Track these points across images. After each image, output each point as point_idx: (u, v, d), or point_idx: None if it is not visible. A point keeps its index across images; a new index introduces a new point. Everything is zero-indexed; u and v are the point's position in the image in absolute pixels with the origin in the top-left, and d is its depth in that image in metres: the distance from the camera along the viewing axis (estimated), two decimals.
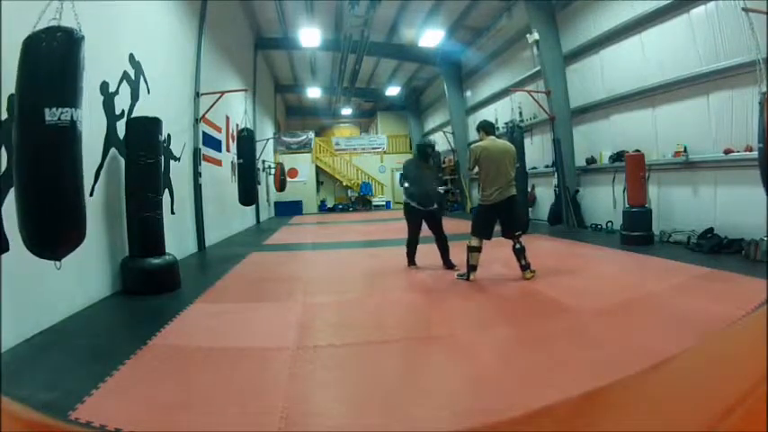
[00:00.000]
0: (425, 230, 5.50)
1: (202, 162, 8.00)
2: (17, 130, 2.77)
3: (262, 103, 15.65)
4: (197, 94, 7.97)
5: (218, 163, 9.57)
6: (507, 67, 12.02)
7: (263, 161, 15.18)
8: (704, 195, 6.45)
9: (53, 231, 2.88)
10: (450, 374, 2.58)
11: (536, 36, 9.28)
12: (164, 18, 6.69)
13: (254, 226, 13.37)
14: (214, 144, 9.24)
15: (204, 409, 2.17)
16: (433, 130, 18.73)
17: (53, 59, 2.79)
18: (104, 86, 4.64)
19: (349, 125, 25.77)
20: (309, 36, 11.87)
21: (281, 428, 1.97)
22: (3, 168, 3.06)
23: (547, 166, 10.22)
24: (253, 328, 3.52)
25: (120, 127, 4.85)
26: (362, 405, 2.26)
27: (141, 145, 4.70)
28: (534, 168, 10.34)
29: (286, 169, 17.62)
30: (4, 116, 3.06)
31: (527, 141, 9.84)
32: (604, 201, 8.38)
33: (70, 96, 2.84)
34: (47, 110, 2.72)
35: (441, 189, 5.56)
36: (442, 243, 5.45)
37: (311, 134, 20.82)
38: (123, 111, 5.01)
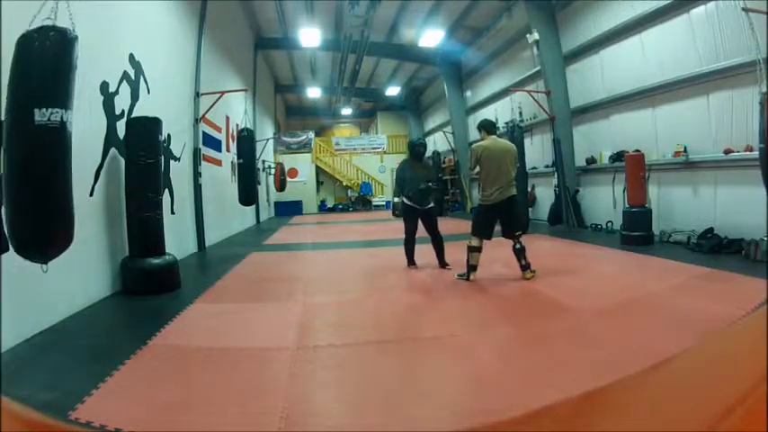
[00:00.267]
0: (422, 231, 5.49)
1: (202, 162, 8.00)
2: (6, 130, 2.73)
3: (262, 103, 15.65)
4: (197, 94, 7.97)
5: (218, 163, 9.57)
6: (507, 67, 12.02)
7: (263, 161, 15.18)
8: (704, 195, 6.45)
9: (40, 233, 2.82)
10: (450, 374, 2.58)
11: (536, 36, 9.28)
12: (164, 18, 6.69)
13: (254, 226, 13.37)
14: (214, 144, 9.24)
15: (204, 409, 2.17)
16: (433, 130, 18.74)
17: (45, 59, 2.75)
18: (104, 86, 4.64)
19: (349, 125, 25.77)
20: (309, 36, 11.87)
21: (281, 428, 1.97)
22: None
23: (547, 166, 10.22)
24: (253, 328, 3.52)
25: (120, 127, 4.85)
26: (362, 405, 2.26)
27: (141, 145, 4.70)
28: (534, 168, 10.34)
29: (286, 169, 17.61)
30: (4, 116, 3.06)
31: (527, 141, 9.84)
32: (604, 201, 8.38)
33: (61, 97, 2.80)
34: (36, 110, 2.68)
35: (431, 184, 5.50)
36: (438, 243, 5.46)
37: (311, 134, 20.81)
38: (123, 111, 5.01)
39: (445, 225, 6.07)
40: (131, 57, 5.35)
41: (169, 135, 6.46)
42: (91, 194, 4.33)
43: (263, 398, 2.28)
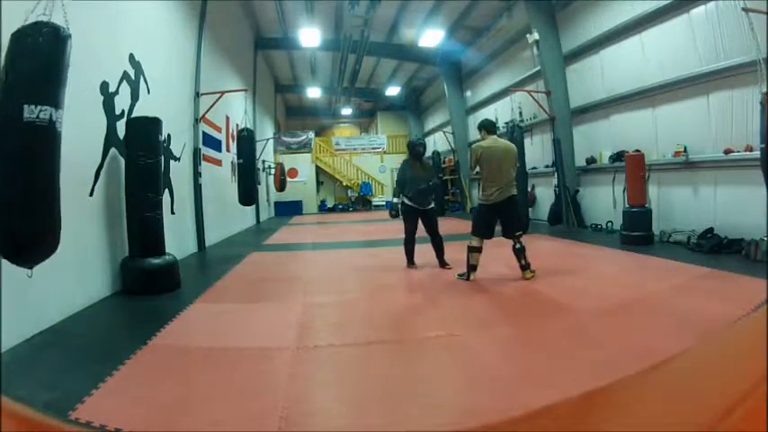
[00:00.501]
0: (422, 231, 5.49)
1: (202, 162, 8.00)
2: None
3: (262, 103, 15.65)
4: (197, 94, 7.97)
5: (218, 163, 9.57)
6: (507, 67, 12.02)
7: (263, 161, 15.18)
8: (704, 195, 6.45)
9: (23, 237, 2.71)
10: (450, 374, 2.58)
11: (536, 36, 9.28)
12: (164, 18, 6.69)
13: (254, 226, 13.37)
14: (214, 144, 9.24)
15: (204, 409, 2.18)
16: (433, 130, 18.74)
17: (36, 55, 2.70)
18: (104, 86, 4.64)
19: (349, 125, 25.78)
20: (309, 36, 11.87)
21: (281, 428, 1.97)
22: None
23: (547, 166, 10.22)
24: (253, 328, 3.52)
25: (120, 127, 4.85)
26: (362, 405, 2.26)
27: (141, 145, 4.70)
28: (534, 168, 10.35)
29: (286, 169, 17.61)
30: None
31: (527, 141, 9.84)
32: (604, 201, 8.38)
33: (51, 95, 2.75)
34: (26, 106, 2.63)
35: (432, 183, 5.53)
36: (437, 243, 5.46)
37: (311, 134, 20.81)
38: (123, 111, 5.01)
39: (445, 225, 6.08)
40: (131, 57, 5.35)
41: (169, 135, 6.46)
42: (91, 194, 4.33)
43: (262, 398, 2.28)
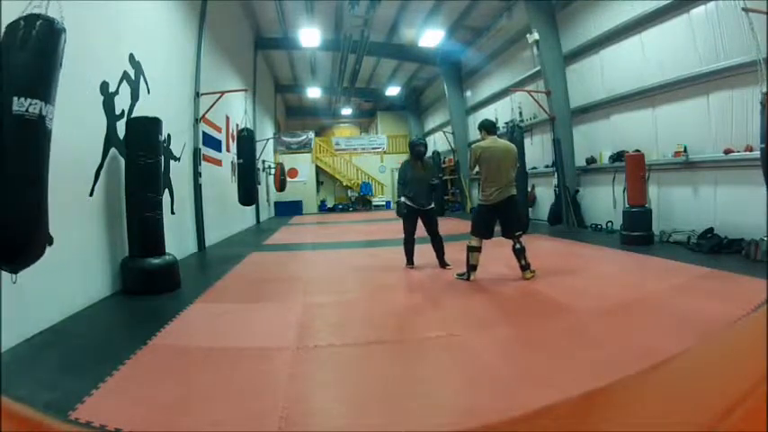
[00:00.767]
0: (421, 231, 5.49)
1: (202, 162, 8.00)
2: None
3: (262, 103, 15.65)
4: (197, 94, 7.97)
5: (218, 163, 9.57)
6: (507, 67, 12.02)
7: (263, 161, 15.18)
8: (704, 195, 6.45)
9: (7, 238, 2.57)
10: (450, 374, 2.58)
11: (536, 36, 9.28)
12: (164, 18, 6.69)
13: (254, 226, 13.37)
14: (214, 144, 9.24)
15: (204, 409, 2.18)
16: (433, 130, 18.74)
17: (28, 47, 2.63)
18: (104, 86, 4.64)
19: (349, 125, 25.77)
20: (309, 36, 11.87)
21: (281, 428, 1.97)
22: None
23: (547, 166, 10.22)
24: (253, 328, 3.52)
25: (120, 127, 4.85)
26: (362, 405, 2.26)
27: (141, 145, 4.70)
28: (534, 168, 10.35)
29: (286, 169, 17.61)
30: None
31: (527, 141, 9.84)
32: (604, 201, 8.38)
33: (42, 89, 2.66)
34: (15, 98, 2.54)
35: (434, 181, 5.55)
36: (438, 243, 5.46)
37: (311, 134, 20.81)
38: (123, 111, 5.01)
39: (445, 225, 6.08)
40: (131, 57, 5.36)
41: (169, 135, 6.46)
42: (91, 194, 4.33)
43: (262, 398, 2.28)
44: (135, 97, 5.37)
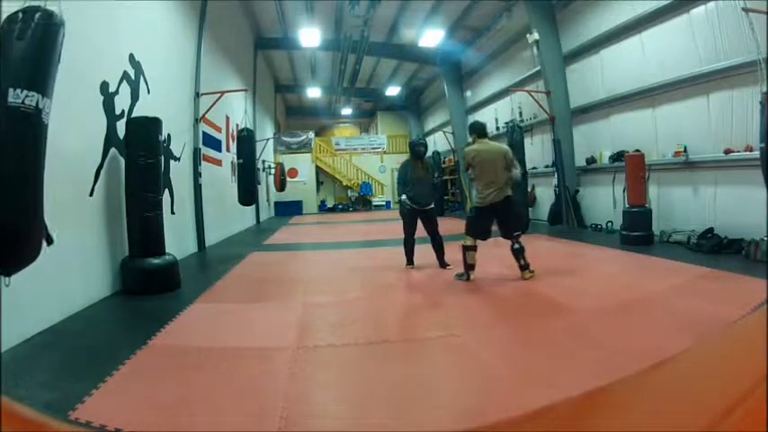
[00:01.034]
0: (422, 231, 5.49)
1: (202, 162, 8.00)
2: None
3: (262, 103, 15.65)
4: (197, 94, 7.97)
5: (218, 163, 9.57)
6: (507, 67, 12.02)
7: (263, 161, 15.18)
8: (704, 195, 6.45)
9: (1, 236, 2.47)
10: (450, 374, 2.58)
11: (536, 36, 9.28)
12: (164, 18, 6.69)
13: (254, 226, 13.37)
14: (214, 144, 9.24)
15: (204, 409, 2.18)
16: (433, 130, 18.74)
17: (26, 38, 2.57)
18: (104, 86, 4.64)
19: (349, 125, 25.77)
20: (309, 36, 11.87)
21: (281, 428, 1.97)
22: None
23: (547, 166, 10.22)
24: (253, 328, 3.52)
25: (120, 127, 4.85)
26: (362, 405, 2.26)
27: (141, 145, 4.70)
28: (534, 168, 10.34)
29: (286, 169, 17.61)
30: None
31: (527, 141, 9.84)
32: (604, 201, 8.38)
33: (39, 81, 2.60)
34: (11, 90, 2.48)
35: (437, 181, 5.57)
36: (438, 243, 5.46)
37: (311, 134, 20.81)
38: (123, 111, 5.01)
39: (445, 225, 6.08)
40: (131, 57, 5.36)
41: (169, 135, 6.46)
42: (91, 194, 4.33)
43: (262, 398, 2.28)
44: (135, 97, 5.37)
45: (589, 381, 2.06)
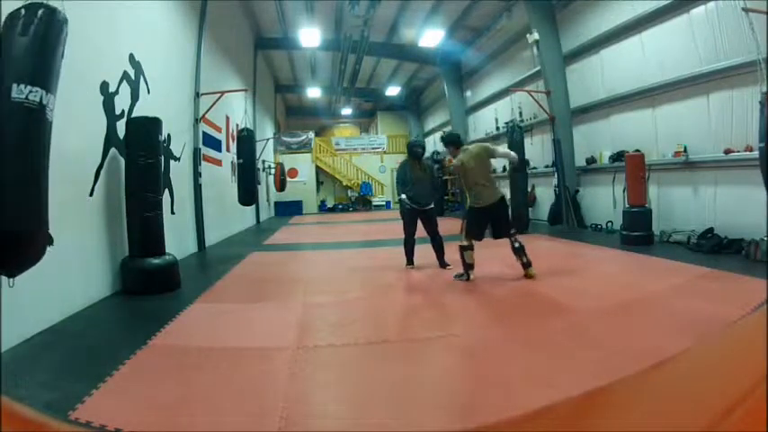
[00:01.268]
0: (422, 231, 5.49)
1: (202, 162, 8.00)
2: None
3: (262, 103, 15.65)
4: (197, 94, 7.97)
5: (218, 163, 9.57)
6: (507, 67, 12.02)
7: (263, 161, 15.18)
8: (704, 195, 6.45)
9: (5, 237, 2.43)
10: (449, 374, 2.58)
11: (536, 36, 9.28)
12: (164, 18, 6.69)
13: (254, 226, 13.37)
14: (214, 144, 9.24)
15: (204, 409, 2.17)
16: (433, 130, 18.74)
17: (29, 34, 2.56)
18: (104, 86, 4.64)
19: (349, 125, 25.77)
20: (309, 36, 11.87)
21: (281, 428, 1.97)
22: None
23: (547, 166, 10.22)
24: (253, 328, 3.52)
25: (120, 127, 4.85)
26: (362, 405, 2.26)
27: (141, 145, 4.70)
28: (534, 168, 10.34)
29: (286, 169, 17.61)
30: None
31: (527, 141, 9.83)
32: (604, 201, 8.38)
33: (43, 77, 2.59)
34: (14, 85, 2.47)
35: (435, 181, 5.60)
36: (438, 243, 5.46)
37: (311, 134, 20.81)
38: (123, 111, 5.01)
39: (445, 225, 6.08)
40: (131, 57, 5.36)
41: (169, 135, 6.46)
42: (91, 194, 4.33)
43: (262, 398, 2.28)
44: (135, 97, 5.37)
45: (589, 381, 2.06)
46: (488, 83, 13.32)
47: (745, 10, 5.12)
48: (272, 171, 16.50)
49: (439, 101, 17.62)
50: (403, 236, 5.63)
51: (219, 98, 8.26)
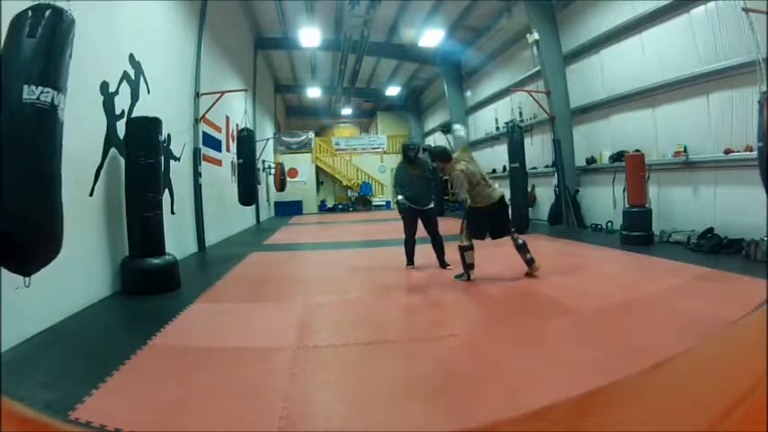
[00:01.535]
0: (422, 231, 5.49)
1: (202, 162, 8.00)
2: None
3: (262, 103, 15.65)
4: (197, 94, 7.97)
5: (218, 163, 9.57)
6: (507, 67, 12.03)
7: (263, 161, 15.18)
8: (704, 195, 6.45)
9: (20, 237, 2.45)
10: (449, 374, 2.58)
11: (536, 36, 9.28)
12: (164, 18, 6.69)
13: (254, 226, 13.37)
14: (214, 144, 9.24)
15: (204, 409, 2.17)
16: (433, 130, 18.75)
17: (39, 36, 2.58)
18: (104, 86, 4.64)
19: (349, 125, 25.78)
20: (309, 36, 11.87)
21: (281, 428, 1.97)
22: None
23: (547, 166, 10.22)
24: (253, 328, 3.52)
25: (120, 127, 4.85)
26: (362, 405, 2.26)
27: (141, 145, 4.69)
28: (534, 168, 10.34)
29: (286, 169, 17.61)
30: None
31: (527, 141, 9.83)
32: (604, 201, 8.38)
33: (53, 78, 2.61)
34: (26, 86, 2.49)
35: (430, 174, 5.56)
36: (438, 243, 5.46)
37: (311, 134, 20.82)
38: (123, 111, 5.01)
39: (445, 225, 6.07)
40: (131, 57, 5.35)
41: (169, 135, 6.46)
42: (91, 194, 4.33)
43: (262, 398, 2.28)
44: (135, 97, 5.37)
45: (589, 381, 2.06)
46: (488, 83, 13.32)
47: (745, 10, 5.12)
48: (272, 171, 16.50)
49: (439, 101, 17.62)
50: (403, 236, 5.62)
51: (219, 98, 8.26)
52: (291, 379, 2.51)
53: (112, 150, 4.72)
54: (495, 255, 5.40)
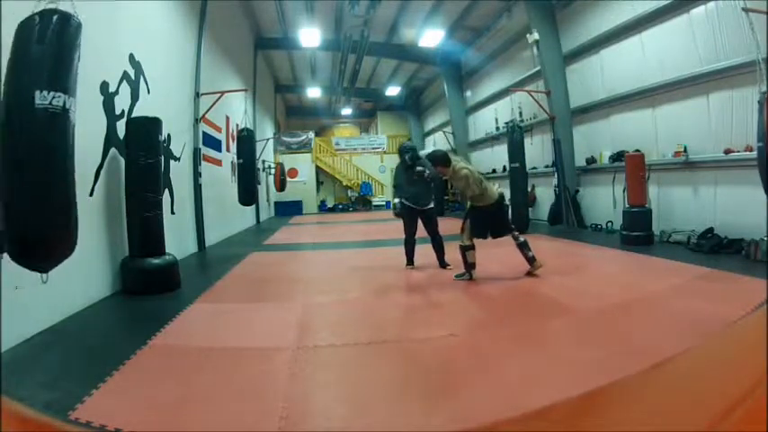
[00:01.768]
0: (422, 231, 5.49)
1: (202, 162, 8.00)
2: (5, 113, 2.57)
3: (262, 103, 15.65)
4: (197, 94, 7.97)
5: (218, 163, 9.57)
6: (507, 67, 12.03)
7: (263, 161, 15.18)
8: (704, 195, 6.45)
9: (39, 235, 2.57)
10: (449, 374, 2.58)
11: (536, 36, 9.28)
12: (164, 18, 6.69)
13: (254, 226, 13.37)
14: (214, 144, 9.24)
15: (204, 409, 2.17)
16: (433, 130, 18.75)
17: (48, 42, 2.64)
18: (104, 86, 4.64)
19: (349, 125, 25.77)
20: (309, 36, 11.87)
21: (281, 428, 1.97)
22: None
23: (547, 166, 10.22)
24: (253, 328, 3.52)
25: (120, 127, 4.85)
26: (362, 405, 2.26)
27: (141, 145, 4.70)
28: (534, 168, 10.34)
29: (286, 169, 17.61)
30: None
31: (527, 141, 9.83)
32: (604, 201, 8.38)
33: (64, 82, 2.68)
34: (38, 92, 2.56)
35: (428, 172, 5.50)
36: (438, 243, 5.46)
37: (311, 134, 20.81)
38: (123, 111, 5.01)
39: (445, 225, 6.07)
40: (131, 57, 5.35)
41: (169, 135, 6.46)
42: (91, 194, 4.33)
43: (262, 398, 2.28)
44: (135, 97, 5.37)
45: (589, 381, 2.06)
46: (488, 83, 13.32)
47: (745, 10, 5.12)
48: (272, 171, 16.50)
49: (439, 101, 17.62)
50: (403, 236, 5.62)
51: (219, 98, 8.26)
52: (291, 379, 2.51)
53: (112, 150, 4.72)
54: (495, 254, 5.40)
